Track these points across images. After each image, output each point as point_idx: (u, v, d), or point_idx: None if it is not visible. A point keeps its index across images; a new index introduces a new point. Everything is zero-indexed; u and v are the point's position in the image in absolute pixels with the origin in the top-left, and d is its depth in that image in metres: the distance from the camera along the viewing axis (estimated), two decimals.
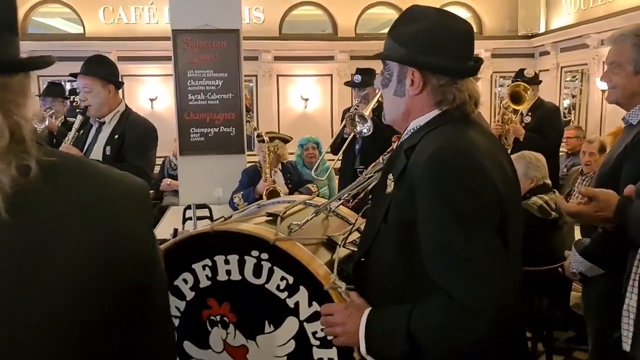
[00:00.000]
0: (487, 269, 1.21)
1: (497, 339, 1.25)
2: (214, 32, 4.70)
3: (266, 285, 1.46)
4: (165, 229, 3.67)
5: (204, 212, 3.85)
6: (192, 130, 4.92)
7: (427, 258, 1.25)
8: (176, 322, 1.53)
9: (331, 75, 8.97)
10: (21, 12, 7.94)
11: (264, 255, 1.46)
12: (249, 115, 5.60)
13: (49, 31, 8.50)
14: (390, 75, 1.43)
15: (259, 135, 4.47)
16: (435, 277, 1.24)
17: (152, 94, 8.34)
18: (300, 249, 1.46)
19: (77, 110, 3.13)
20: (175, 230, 3.54)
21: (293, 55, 8.72)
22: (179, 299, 1.55)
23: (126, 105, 3.20)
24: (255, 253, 1.46)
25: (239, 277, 1.48)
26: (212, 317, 1.52)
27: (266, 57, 8.64)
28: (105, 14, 7.85)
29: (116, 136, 3.02)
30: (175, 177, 5.69)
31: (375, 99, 4.14)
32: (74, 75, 3.09)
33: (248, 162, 4.95)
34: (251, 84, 8.67)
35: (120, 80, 3.22)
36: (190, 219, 3.81)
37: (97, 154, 3.00)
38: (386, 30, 1.48)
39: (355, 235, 1.60)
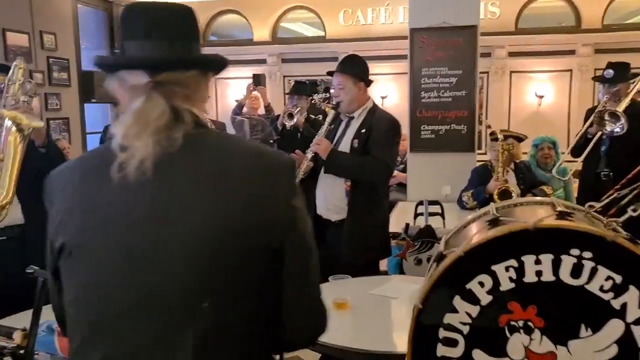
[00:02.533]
0: None
1: None
2: (451, 30, 4.70)
3: (586, 286, 1.34)
4: (394, 223, 3.79)
5: (435, 209, 3.90)
6: (423, 127, 4.99)
7: None
8: (465, 329, 1.42)
9: (571, 70, 8.33)
10: (272, 20, 8.85)
11: (587, 254, 1.33)
12: (480, 113, 5.49)
13: (293, 36, 9.29)
14: None
15: (492, 133, 4.36)
16: None
17: (383, 92, 8.63)
18: (634, 245, 1.33)
19: (331, 105, 3.40)
20: (407, 225, 3.64)
21: (529, 50, 8.29)
22: (472, 303, 1.41)
23: (373, 102, 3.39)
24: (575, 252, 1.34)
25: (551, 278, 1.35)
26: (512, 322, 1.41)
27: (500, 53, 8.35)
28: (344, 17, 8.34)
29: (363, 130, 3.21)
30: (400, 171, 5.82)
31: (629, 97, 3.75)
32: (330, 73, 3.37)
33: (477, 161, 4.86)
34: (481, 81, 8.46)
35: (369, 78, 3.41)
36: (421, 214, 3.89)
37: (345, 146, 3.24)
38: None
39: None
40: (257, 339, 1.13)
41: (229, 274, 1.07)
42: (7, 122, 2.51)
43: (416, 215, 3.89)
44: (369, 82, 3.34)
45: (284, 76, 8.64)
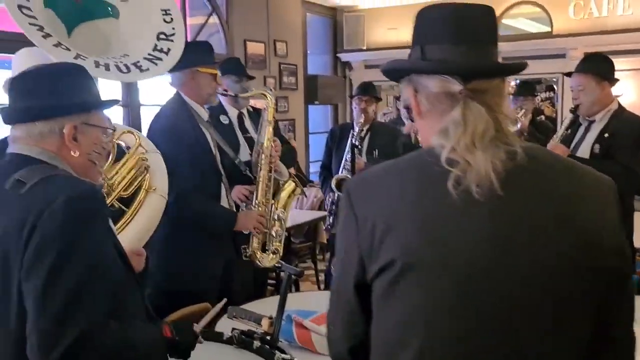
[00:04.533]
0: None
1: None
2: None
3: None
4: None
5: None
6: None
7: None
8: None
9: None
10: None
11: None
12: None
13: (515, 33, 8.84)
14: None
15: None
16: None
17: (617, 90, 7.79)
18: None
19: (571, 109, 3.18)
20: None
21: None
22: None
23: (619, 103, 3.09)
24: None
25: None
26: None
27: None
28: (575, 10, 7.71)
29: (606, 135, 2.96)
30: None
31: None
32: (568, 74, 3.16)
33: None
34: None
35: (615, 77, 3.12)
36: None
37: (583, 152, 3.01)
38: None
39: None
40: None
41: (574, 303, 1.02)
42: (289, 186, 3.24)
43: None
44: (614, 81, 3.05)
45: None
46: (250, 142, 3.43)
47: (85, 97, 1.52)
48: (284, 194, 3.24)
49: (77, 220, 1.31)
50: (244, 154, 3.37)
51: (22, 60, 2.21)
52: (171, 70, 2.93)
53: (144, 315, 1.54)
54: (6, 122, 1.53)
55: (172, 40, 2.60)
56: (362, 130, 4.45)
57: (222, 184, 3.02)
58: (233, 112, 3.57)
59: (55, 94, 1.45)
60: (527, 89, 5.07)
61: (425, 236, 1.03)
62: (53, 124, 1.45)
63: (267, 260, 3.06)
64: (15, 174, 1.37)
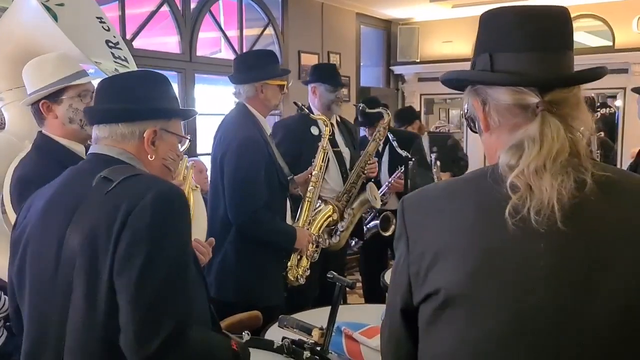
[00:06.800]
0: None
1: None
2: None
3: None
4: None
5: None
6: None
7: None
8: None
9: None
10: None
11: None
12: None
13: (575, 46, 8.62)
14: None
15: None
16: None
17: None
18: None
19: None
20: None
21: None
22: None
23: None
24: None
25: None
26: None
27: None
28: (639, 24, 7.45)
29: None
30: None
31: None
32: (637, 90, 3.06)
33: None
34: None
35: None
36: None
37: None
38: None
39: None
40: None
41: (628, 349, 0.93)
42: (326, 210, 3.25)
43: None
44: None
45: None
46: (339, 157, 3.35)
47: (166, 104, 1.58)
48: (319, 217, 3.18)
49: (166, 216, 1.34)
50: (333, 170, 3.29)
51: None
52: (239, 83, 2.91)
53: (209, 317, 1.55)
54: (90, 122, 1.59)
55: (120, 49, 2.57)
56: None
57: (288, 200, 3.01)
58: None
59: (139, 98, 1.52)
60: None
61: (475, 268, 0.96)
62: (135, 127, 1.50)
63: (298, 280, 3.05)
64: (101, 172, 1.41)
